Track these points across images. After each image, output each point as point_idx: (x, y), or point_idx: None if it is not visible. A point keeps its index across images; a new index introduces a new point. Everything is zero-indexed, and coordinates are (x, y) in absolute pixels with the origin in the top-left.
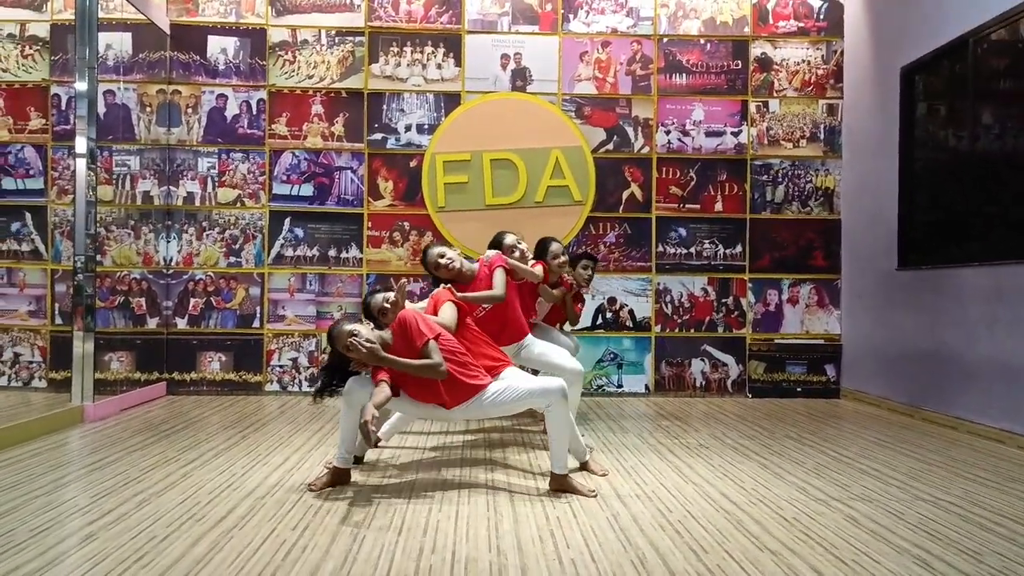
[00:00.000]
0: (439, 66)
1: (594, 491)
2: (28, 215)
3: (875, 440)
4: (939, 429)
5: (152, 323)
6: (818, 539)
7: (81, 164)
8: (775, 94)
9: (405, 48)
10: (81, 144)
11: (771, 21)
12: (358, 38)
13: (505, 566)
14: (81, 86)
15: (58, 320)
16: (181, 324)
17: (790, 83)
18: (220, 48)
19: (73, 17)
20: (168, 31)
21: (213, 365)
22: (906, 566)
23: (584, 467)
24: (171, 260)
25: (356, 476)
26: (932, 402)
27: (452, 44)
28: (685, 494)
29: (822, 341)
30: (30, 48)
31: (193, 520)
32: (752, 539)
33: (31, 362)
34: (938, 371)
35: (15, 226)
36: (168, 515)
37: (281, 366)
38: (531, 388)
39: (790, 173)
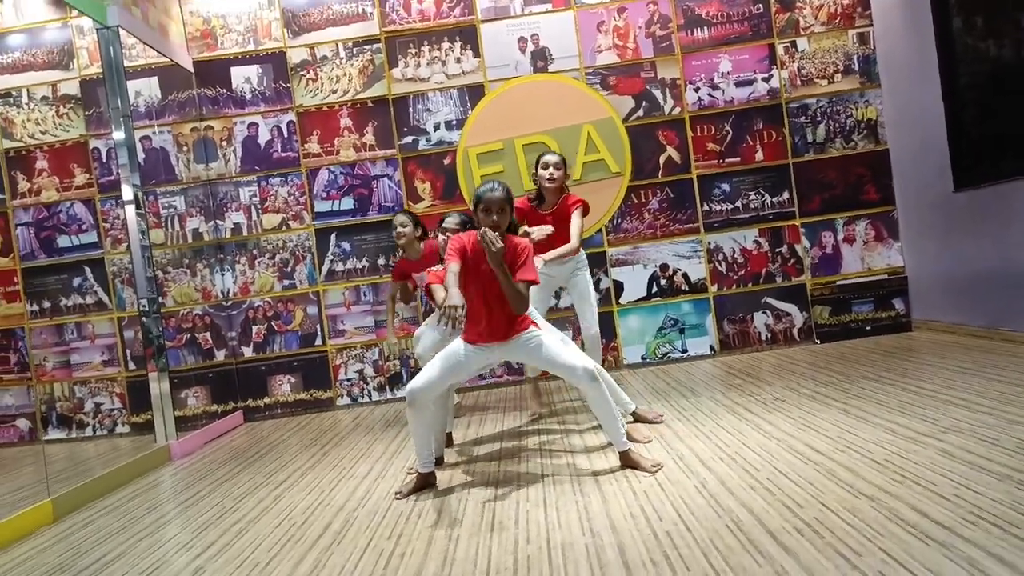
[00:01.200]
0: (458, 60)
1: (658, 465)
2: (87, 269)
3: (957, 369)
4: (1021, 348)
5: (220, 355)
6: (914, 478)
7: (130, 211)
8: (802, 32)
9: (423, 47)
10: (127, 192)
11: None
12: (375, 45)
13: (602, 547)
14: (119, 135)
15: (131, 365)
16: (248, 352)
17: (816, 18)
18: (244, 77)
19: (100, 70)
20: (192, 69)
21: (284, 388)
22: (1010, 492)
23: (637, 418)
24: (228, 292)
25: (440, 477)
26: (1011, 322)
27: (468, 36)
28: (770, 450)
29: (886, 276)
30: (64, 107)
31: (292, 542)
32: (846, 487)
33: (112, 409)
34: (1013, 289)
35: (77, 281)
36: (268, 539)
37: (349, 379)
38: (563, 358)
39: (829, 110)
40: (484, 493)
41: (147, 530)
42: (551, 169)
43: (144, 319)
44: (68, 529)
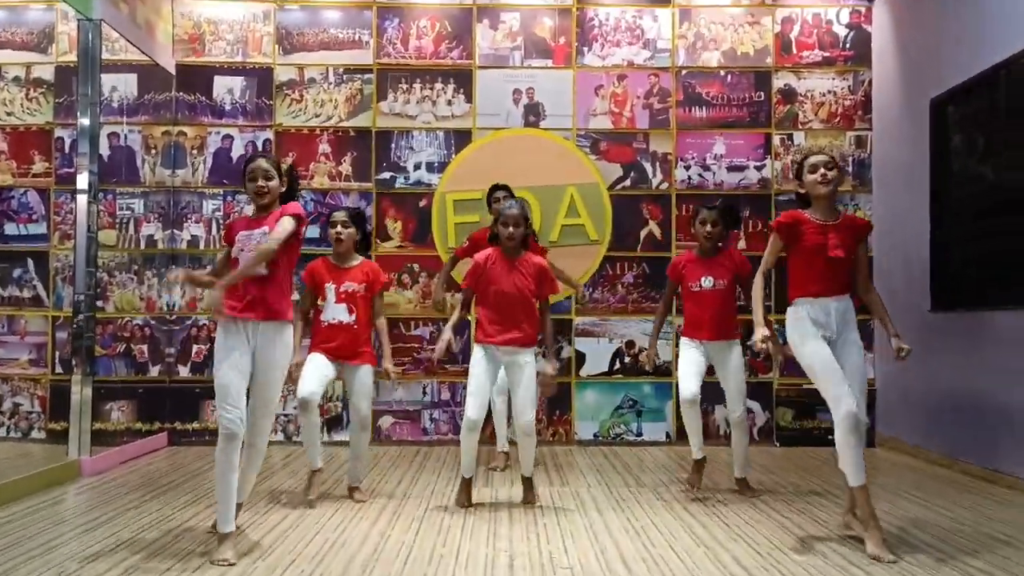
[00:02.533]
0: (449, 102)
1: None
2: (30, 261)
3: (907, 496)
4: (977, 483)
5: (154, 371)
6: None
7: (82, 200)
8: (800, 126)
9: (414, 85)
10: (83, 180)
11: (794, 51)
12: (366, 75)
13: None
14: (84, 121)
15: (58, 369)
16: (184, 372)
17: (816, 114)
18: (226, 88)
19: (77, 58)
20: (174, 72)
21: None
22: None
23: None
24: (174, 306)
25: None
26: (970, 453)
27: (462, 80)
28: (695, 559)
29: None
30: (35, 91)
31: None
32: None
33: (30, 412)
34: (976, 420)
35: (17, 272)
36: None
37: (286, 415)
38: (528, 396)
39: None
40: (396, 563)
41: (36, 551)
42: (511, 228)
43: (78, 315)
44: None
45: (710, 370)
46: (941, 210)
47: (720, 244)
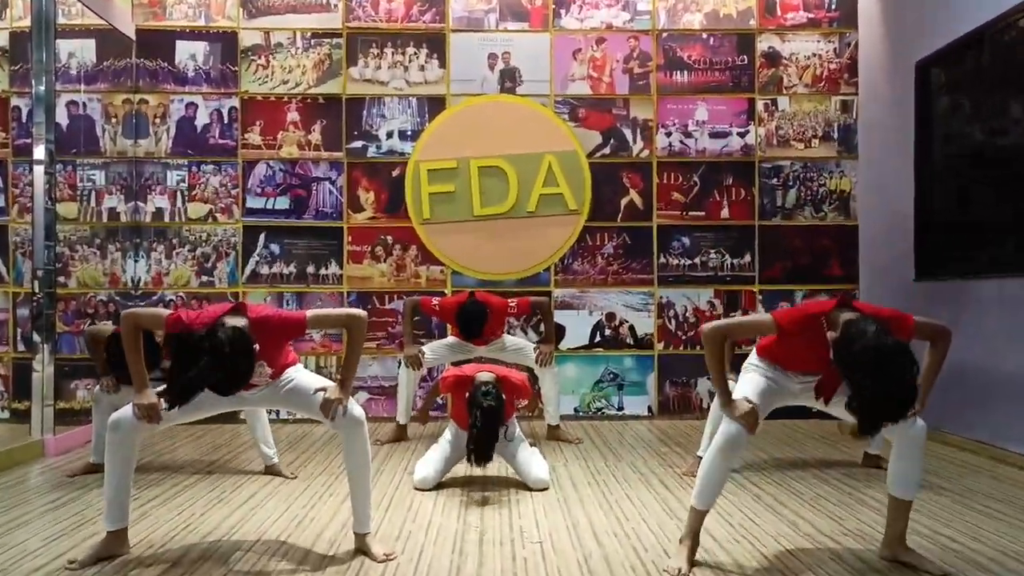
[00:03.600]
0: (422, 68)
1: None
2: None
3: (885, 467)
4: (959, 454)
5: None
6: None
7: (39, 171)
8: (784, 91)
9: (386, 49)
10: (39, 151)
11: (779, 12)
12: (335, 40)
13: None
14: (39, 89)
15: (20, 347)
16: None
17: (800, 79)
18: (189, 54)
19: (30, 23)
20: (134, 37)
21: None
22: None
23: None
24: (139, 280)
25: (324, 519)
26: (952, 424)
27: (436, 44)
28: (667, 531)
29: None
30: None
31: (140, 567)
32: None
33: None
34: (959, 391)
35: None
36: (116, 562)
37: None
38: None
39: (802, 176)
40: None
41: None
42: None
43: (36, 293)
44: None
45: None
46: (926, 176)
47: None
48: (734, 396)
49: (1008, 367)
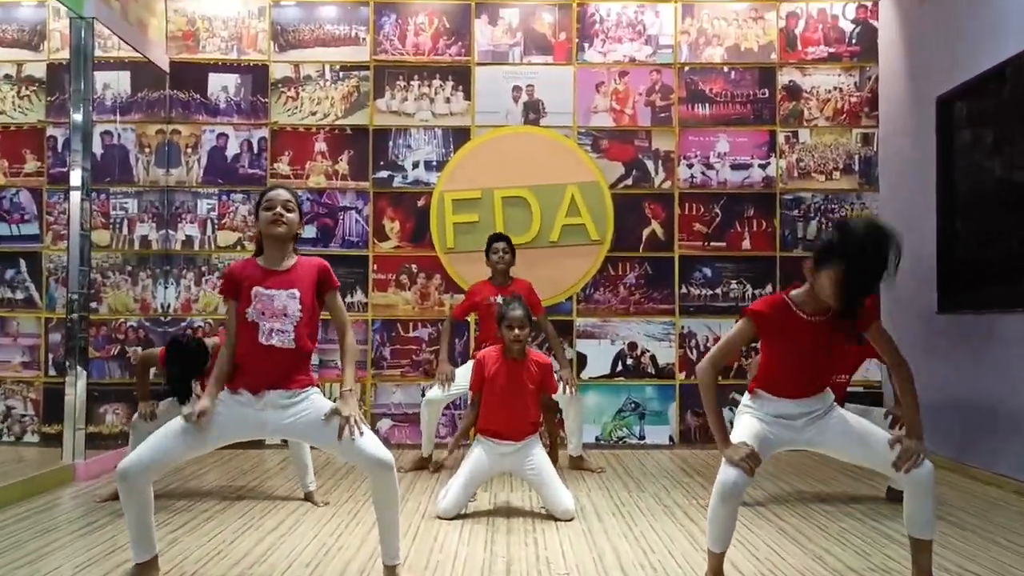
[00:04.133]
0: (447, 100)
1: None
2: (23, 261)
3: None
4: (982, 487)
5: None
6: None
7: (75, 197)
8: (805, 123)
9: (412, 82)
10: (75, 177)
11: (799, 47)
12: (363, 72)
13: None
14: (77, 118)
15: (52, 371)
16: None
17: (821, 111)
18: (221, 86)
19: (69, 55)
20: (167, 69)
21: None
22: None
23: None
24: (169, 307)
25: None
26: (975, 457)
27: (461, 77)
28: (693, 564)
29: (861, 388)
30: (26, 89)
31: None
32: None
33: (23, 415)
34: (982, 424)
35: (9, 273)
36: None
37: None
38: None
39: (823, 207)
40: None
41: (28, 557)
42: (516, 331)
43: (72, 315)
44: None
45: None
46: (948, 209)
47: None
48: (731, 439)
49: None
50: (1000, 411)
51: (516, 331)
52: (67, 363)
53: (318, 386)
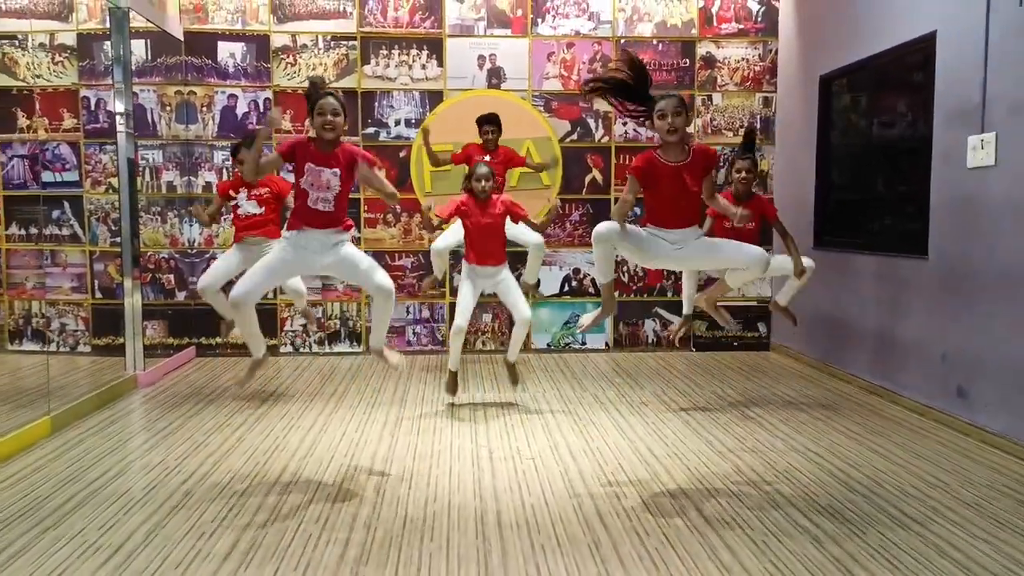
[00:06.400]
0: (423, 67)
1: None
2: (66, 203)
3: (783, 396)
4: (838, 384)
5: (180, 296)
6: (707, 485)
7: (120, 106)
8: (718, 88)
9: (393, 51)
10: (120, 104)
11: (715, 23)
12: (351, 42)
13: (485, 510)
14: (118, 74)
15: (98, 295)
16: None
17: (731, 79)
18: (229, 53)
19: (98, 26)
20: (182, 38)
21: (234, 331)
22: (761, 505)
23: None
24: (194, 242)
25: (374, 441)
26: (836, 360)
27: (434, 47)
28: (621, 449)
29: (755, 303)
30: (59, 55)
31: (259, 477)
32: (661, 486)
33: (76, 330)
34: (841, 335)
35: (55, 213)
36: (239, 472)
37: (293, 331)
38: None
39: (730, 159)
40: (407, 458)
41: (136, 453)
42: (482, 183)
43: (123, 221)
44: (64, 445)
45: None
46: (825, 166)
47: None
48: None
49: (870, 322)
50: (855, 326)
51: (483, 183)
52: (124, 270)
53: (351, 227)
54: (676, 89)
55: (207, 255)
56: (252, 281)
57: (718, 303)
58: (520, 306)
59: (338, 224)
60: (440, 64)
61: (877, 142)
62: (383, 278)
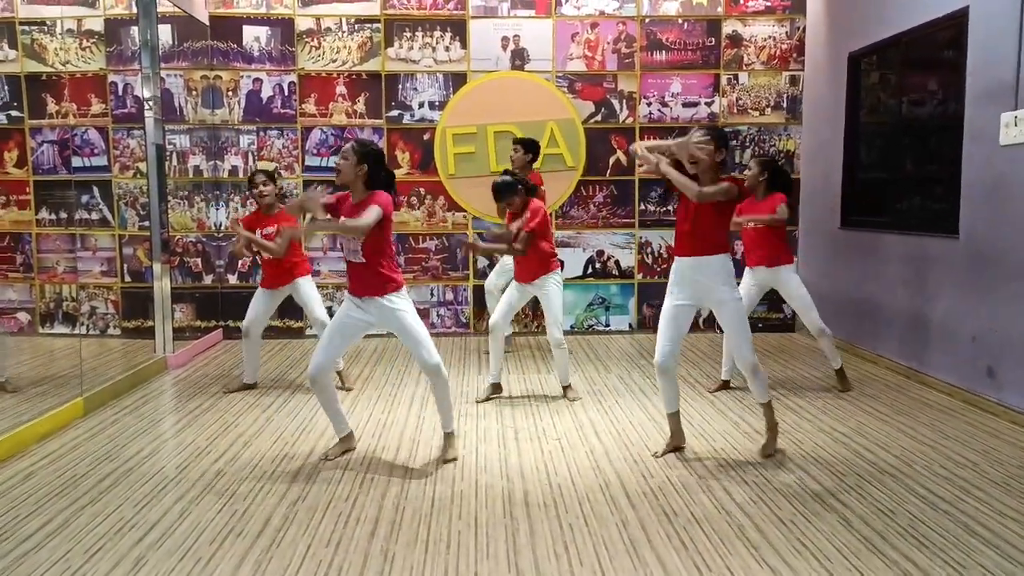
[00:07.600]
0: (447, 49)
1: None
2: (95, 188)
3: (807, 377)
4: (864, 364)
5: (207, 279)
6: (734, 465)
7: (147, 92)
8: (744, 68)
9: (417, 33)
10: (147, 90)
11: (741, 1)
12: (375, 25)
13: (513, 490)
14: (145, 59)
15: (127, 278)
16: (232, 280)
17: (757, 57)
18: (254, 37)
19: (124, 11)
20: (208, 23)
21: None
22: (789, 484)
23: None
24: (221, 225)
25: (398, 424)
26: (861, 340)
27: (458, 29)
28: (646, 430)
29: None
30: (87, 41)
31: (288, 458)
32: (685, 464)
33: (106, 313)
34: (867, 315)
35: (85, 198)
36: (269, 452)
37: None
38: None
39: (756, 138)
40: (434, 438)
41: (168, 433)
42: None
43: (153, 201)
44: (98, 425)
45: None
46: (851, 148)
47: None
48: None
49: (898, 303)
50: (882, 307)
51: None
52: (152, 252)
53: (400, 284)
54: (702, 69)
55: (233, 238)
56: (322, 352)
57: None
58: (551, 329)
59: (379, 279)
60: (464, 46)
61: (907, 120)
62: (427, 355)
